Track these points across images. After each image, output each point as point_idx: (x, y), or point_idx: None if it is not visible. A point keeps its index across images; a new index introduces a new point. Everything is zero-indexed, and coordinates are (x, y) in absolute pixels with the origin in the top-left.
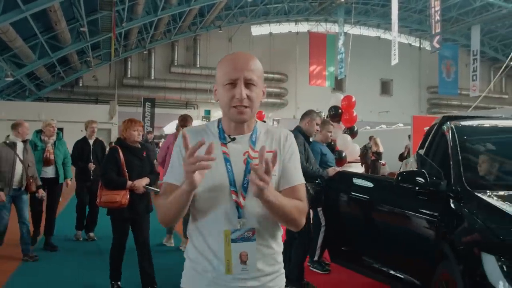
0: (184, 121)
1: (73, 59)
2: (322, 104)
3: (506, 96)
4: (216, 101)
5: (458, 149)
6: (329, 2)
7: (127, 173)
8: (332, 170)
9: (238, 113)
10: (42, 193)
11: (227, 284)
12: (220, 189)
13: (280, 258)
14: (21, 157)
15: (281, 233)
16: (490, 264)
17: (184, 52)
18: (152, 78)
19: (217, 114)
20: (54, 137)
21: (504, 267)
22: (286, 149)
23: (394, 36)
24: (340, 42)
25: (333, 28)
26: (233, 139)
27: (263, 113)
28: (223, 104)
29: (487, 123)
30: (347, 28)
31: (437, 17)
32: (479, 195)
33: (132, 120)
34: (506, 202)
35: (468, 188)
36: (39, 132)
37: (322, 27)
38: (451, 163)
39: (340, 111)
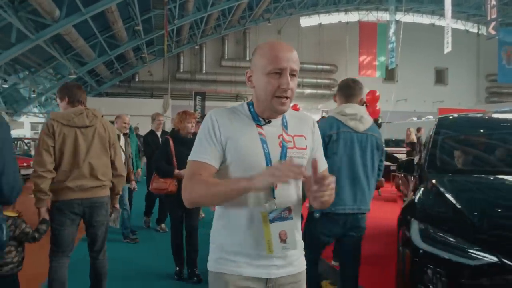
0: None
1: (129, 56)
2: None
3: None
4: (251, 88)
5: (431, 139)
6: None
7: (176, 163)
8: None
9: (281, 104)
10: (134, 184)
11: (256, 265)
12: (256, 169)
13: (301, 238)
14: (124, 149)
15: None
16: (414, 226)
17: (234, 46)
18: (204, 72)
19: None
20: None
21: (421, 228)
22: (316, 135)
23: (447, 23)
24: (391, 30)
25: (384, 16)
26: (269, 122)
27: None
28: (265, 92)
29: (473, 119)
30: (399, 16)
31: (493, 2)
32: (431, 177)
33: (186, 113)
34: (447, 183)
35: (426, 171)
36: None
37: (373, 16)
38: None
39: (365, 104)
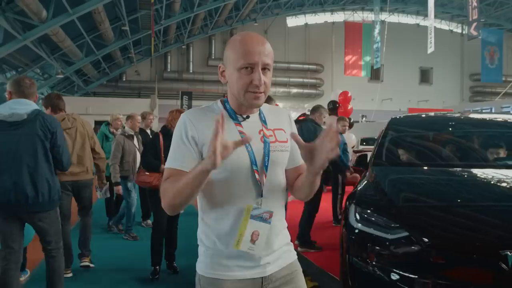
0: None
1: (116, 56)
2: (359, 94)
3: None
4: (224, 83)
5: (380, 137)
6: None
7: (164, 158)
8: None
9: (255, 99)
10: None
11: (250, 266)
12: (242, 169)
13: (287, 232)
14: (138, 147)
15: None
16: (351, 210)
17: (221, 46)
18: (191, 71)
19: None
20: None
21: (357, 211)
22: (293, 128)
23: (430, 23)
24: (376, 30)
25: (369, 17)
26: (247, 117)
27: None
28: (237, 88)
29: (419, 119)
30: (384, 16)
31: (475, 3)
32: (373, 169)
33: (180, 111)
34: (384, 173)
35: (372, 164)
36: (107, 125)
37: (358, 16)
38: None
39: (338, 105)
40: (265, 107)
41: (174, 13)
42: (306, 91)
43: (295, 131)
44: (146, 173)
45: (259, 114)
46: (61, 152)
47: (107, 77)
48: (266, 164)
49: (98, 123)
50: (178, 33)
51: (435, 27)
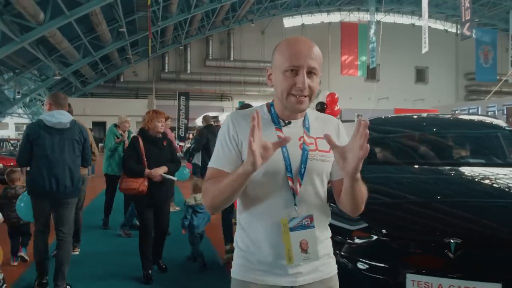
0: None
1: (114, 57)
2: (355, 93)
3: None
4: (271, 86)
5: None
6: None
7: (146, 162)
8: None
9: (297, 103)
10: None
11: (280, 273)
12: (276, 175)
13: (330, 243)
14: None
15: (329, 219)
16: None
17: (218, 46)
18: (188, 72)
19: (253, 104)
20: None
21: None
22: (342, 138)
23: (425, 24)
24: (372, 31)
25: (365, 17)
26: (289, 123)
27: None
28: (281, 91)
29: (396, 120)
30: (380, 17)
31: (467, 4)
32: None
33: (156, 111)
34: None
35: None
36: (115, 126)
37: (354, 17)
38: None
39: (325, 106)
40: (312, 114)
41: (171, 14)
42: None
43: (345, 140)
44: (130, 179)
45: (304, 120)
46: (88, 153)
47: (105, 78)
48: (302, 172)
49: (96, 124)
50: (176, 34)
51: (430, 27)
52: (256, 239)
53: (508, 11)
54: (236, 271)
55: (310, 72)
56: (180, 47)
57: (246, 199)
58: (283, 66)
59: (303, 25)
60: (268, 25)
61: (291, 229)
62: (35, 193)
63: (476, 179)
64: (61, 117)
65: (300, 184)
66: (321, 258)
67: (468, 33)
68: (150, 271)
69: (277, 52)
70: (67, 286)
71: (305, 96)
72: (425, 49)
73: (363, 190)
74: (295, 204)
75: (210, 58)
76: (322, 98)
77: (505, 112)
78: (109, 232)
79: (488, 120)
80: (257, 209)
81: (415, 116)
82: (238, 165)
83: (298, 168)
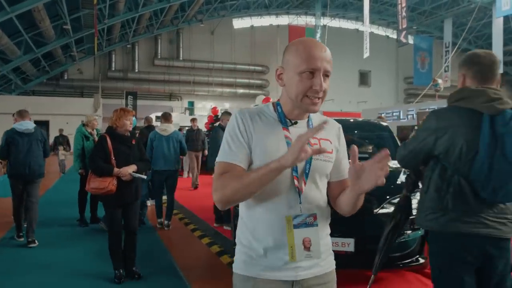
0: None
1: (57, 54)
2: None
3: None
4: (282, 86)
5: None
6: None
7: (115, 161)
8: None
9: (312, 104)
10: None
11: (282, 267)
12: (282, 173)
13: (330, 239)
14: None
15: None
16: None
17: (167, 45)
18: (136, 70)
19: (200, 105)
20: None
21: None
22: (341, 142)
23: (366, 30)
24: (318, 35)
25: (313, 21)
26: (295, 123)
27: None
28: (296, 92)
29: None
30: (326, 21)
31: (404, 13)
32: None
33: (124, 110)
34: None
35: None
36: (84, 125)
37: (302, 20)
38: None
39: None
40: (315, 116)
41: (118, 12)
42: (252, 91)
43: (344, 144)
44: (98, 178)
45: (308, 121)
46: (47, 148)
47: (48, 75)
48: (307, 171)
49: (38, 123)
50: (123, 32)
51: (372, 32)
52: (259, 235)
53: (443, 20)
54: (238, 266)
55: (325, 75)
56: (128, 46)
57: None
58: (299, 67)
59: (252, 26)
60: (218, 25)
61: (295, 226)
62: (13, 176)
63: None
64: (27, 125)
65: (305, 183)
66: (323, 255)
67: (404, 40)
68: (121, 270)
69: (291, 53)
70: (35, 240)
71: (319, 98)
72: (366, 54)
73: (362, 199)
74: (300, 203)
75: (159, 57)
76: (258, 102)
77: (414, 117)
78: (81, 230)
79: (378, 123)
80: (262, 207)
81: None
82: (249, 160)
83: (303, 168)
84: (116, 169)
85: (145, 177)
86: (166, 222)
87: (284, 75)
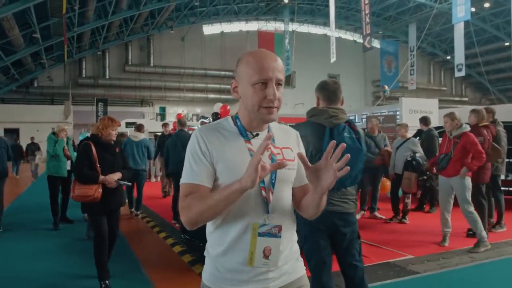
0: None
1: (27, 61)
2: None
3: (445, 88)
4: (237, 98)
5: None
6: (275, 3)
7: (100, 168)
8: None
9: (268, 113)
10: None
11: (250, 280)
12: None
13: (297, 246)
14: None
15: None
16: None
17: (138, 52)
18: (107, 77)
19: (172, 111)
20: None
21: None
22: (301, 148)
23: (332, 35)
24: (286, 40)
25: (281, 27)
26: (257, 135)
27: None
28: (251, 103)
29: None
30: (295, 27)
31: (367, 20)
32: None
33: (111, 119)
34: None
35: None
36: (54, 134)
37: (271, 26)
38: None
39: (219, 116)
40: (274, 126)
41: (87, 20)
42: (223, 96)
43: (303, 151)
44: (84, 186)
45: (268, 131)
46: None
47: (17, 83)
48: (273, 181)
49: (8, 131)
50: (93, 39)
51: (340, 37)
52: (227, 247)
53: (408, 25)
54: (206, 277)
55: (277, 84)
56: (98, 53)
57: None
58: (252, 79)
59: (222, 32)
60: (188, 32)
61: (260, 234)
62: None
63: None
64: None
65: (272, 193)
66: (287, 264)
67: (368, 45)
68: (107, 282)
69: (243, 65)
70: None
71: (275, 107)
72: (333, 58)
73: (325, 198)
74: (267, 212)
75: (130, 63)
76: (216, 109)
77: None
78: (57, 233)
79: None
80: (230, 217)
81: None
82: (213, 178)
83: (269, 178)
84: (101, 177)
85: (130, 184)
86: (136, 212)
87: (239, 88)
